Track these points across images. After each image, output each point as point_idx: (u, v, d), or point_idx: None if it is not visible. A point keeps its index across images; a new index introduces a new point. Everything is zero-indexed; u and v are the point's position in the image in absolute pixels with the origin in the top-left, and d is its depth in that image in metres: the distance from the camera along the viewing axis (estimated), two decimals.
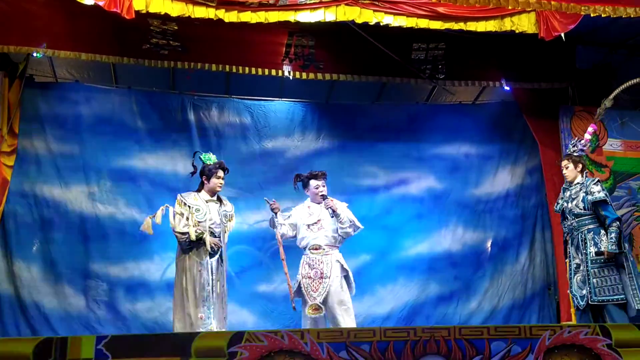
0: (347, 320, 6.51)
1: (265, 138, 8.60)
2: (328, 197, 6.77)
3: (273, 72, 7.67)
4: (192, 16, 6.26)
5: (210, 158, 6.73)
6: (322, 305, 6.47)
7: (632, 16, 6.49)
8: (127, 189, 8.05)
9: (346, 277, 6.72)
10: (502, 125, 8.76)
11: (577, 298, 6.49)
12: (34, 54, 7.11)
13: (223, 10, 6.31)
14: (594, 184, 6.65)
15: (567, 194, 6.81)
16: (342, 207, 6.84)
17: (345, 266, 6.74)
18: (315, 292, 6.54)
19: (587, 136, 6.98)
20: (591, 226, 6.59)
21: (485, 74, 8.27)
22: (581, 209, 6.63)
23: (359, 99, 8.93)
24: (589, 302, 6.40)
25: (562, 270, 7.78)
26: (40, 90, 7.89)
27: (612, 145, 8.16)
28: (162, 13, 6.16)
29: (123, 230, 7.92)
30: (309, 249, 6.69)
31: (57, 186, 7.83)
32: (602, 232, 6.48)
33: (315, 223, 6.77)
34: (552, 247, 8.38)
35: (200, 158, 6.71)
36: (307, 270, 6.63)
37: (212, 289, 6.36)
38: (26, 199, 7.70)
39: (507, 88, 8.31)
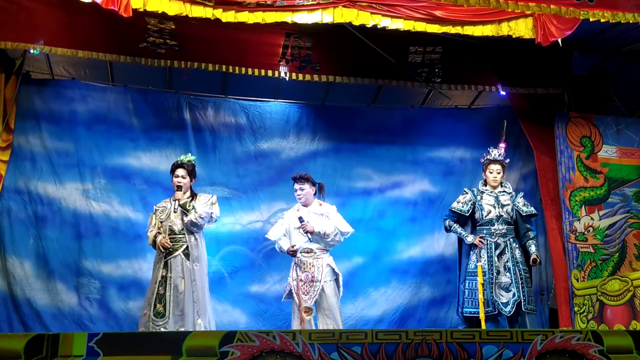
0: (336, 323, 6.55)
1: (260, 139, 8.59)
2: (304, 220, 6.75)
3: (269, 72, 7.64)
4: (190, 15, 6.24)
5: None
6: (312, 308, 6.50)
7: (630, 22, 6.50)
8: (121, 187, 8.05)
9: (336, 280, 6.75)
10: (498, 130, 8.72)
11: (499, 304, 6.67)
12: (31, 51, 7.06)
13: (220, 10, 6.29)
14: (522, 197, 7.24)
15: (491, 200, 6.99)
16: (331, 210, 6.89)
17: (337, 270, 6.77)
18: (306, 295, 6.56)
19: (502, 149, 7.47)
20: (513, 235, 7.08)
21: (482, 78, 8.26)
22: (510, 218, 7.02)
23: (354, 101, 8.92)
24: (522, 309, 6.63)
25: (558, 276, 7.77)
26: (36, 86, 7.88)
27: (607, 151, 8.16)
28: (160, 12, 6.13)
29: (116, 228, 7.93)
30: (300, 252, 6.70)
31: (51, 183, 7.82)
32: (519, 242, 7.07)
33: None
34: (545, 253, 8.37)
35: None
36: (298, 273, 6.65)
37: (172, 286, 6.52)
38: (20, 195, 7.70)
39: (503, 93, 8.31)
